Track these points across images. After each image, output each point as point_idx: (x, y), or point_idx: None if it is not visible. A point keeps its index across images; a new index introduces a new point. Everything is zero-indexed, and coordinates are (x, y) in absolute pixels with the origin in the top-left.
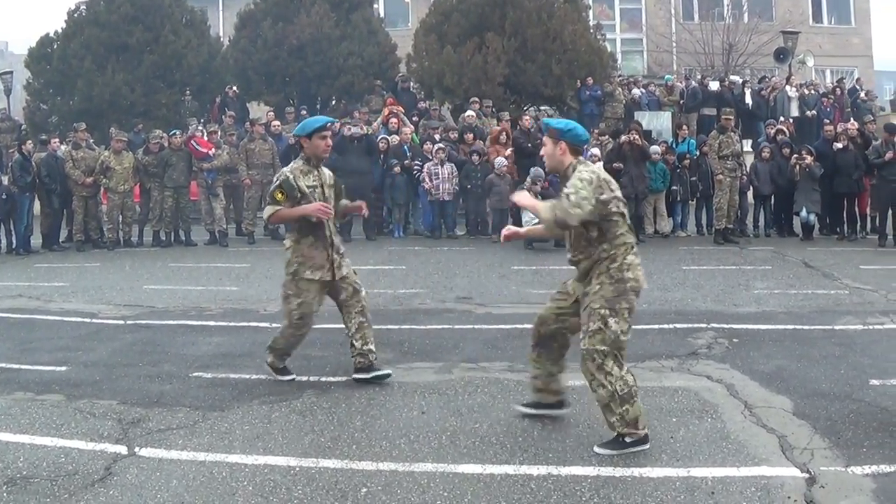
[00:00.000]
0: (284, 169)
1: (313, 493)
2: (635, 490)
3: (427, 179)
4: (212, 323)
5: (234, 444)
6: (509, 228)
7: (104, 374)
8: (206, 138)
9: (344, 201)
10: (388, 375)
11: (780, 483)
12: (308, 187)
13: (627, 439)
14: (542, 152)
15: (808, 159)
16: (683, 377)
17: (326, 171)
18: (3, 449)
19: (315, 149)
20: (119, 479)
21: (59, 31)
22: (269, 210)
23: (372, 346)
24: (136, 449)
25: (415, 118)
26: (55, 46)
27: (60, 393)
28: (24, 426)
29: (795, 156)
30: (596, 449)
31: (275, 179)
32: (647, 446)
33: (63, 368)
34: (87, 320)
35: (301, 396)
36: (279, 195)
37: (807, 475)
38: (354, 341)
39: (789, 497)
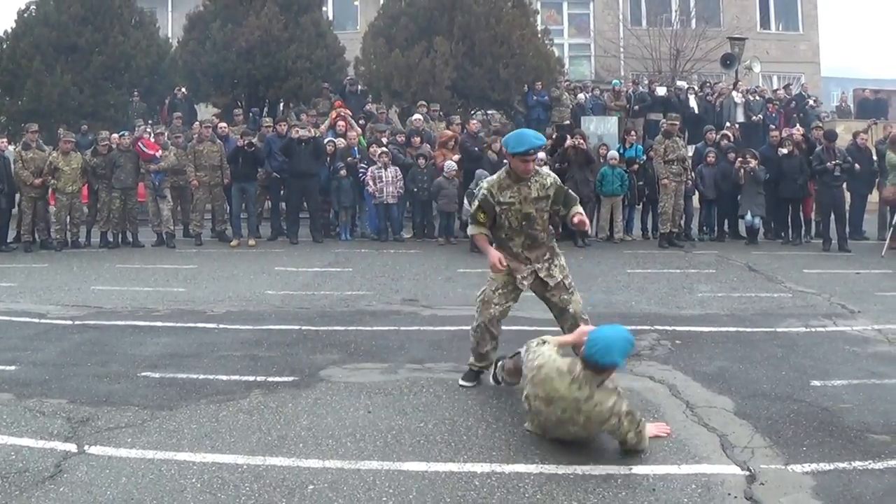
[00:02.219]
0: (484, 181)
1: (261, 491)
2: (577, 487)
3: (371, 183)
4: (159, 324)
5: (182, 442)
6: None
7: (53, 373)
8: (153, 140)
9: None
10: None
11: (720, 480)
12: (504, 203)
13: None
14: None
15: (753, 163)
16: (626, 378)
17: (540, 181)
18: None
19: (516, 167)
20: (69, 477)
21: (9, 30)
22: (471, 230)
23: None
24: (86, 447)
25: (362, 121)
26: (4, 46)
27: (9, 392)
28: None
29: (740, 159)
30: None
31: (476, 192)
32: None
33: (12, 368)
34: (36, 320)
35: (248, 396)
36: (481, 216)
37: (747, 473)
38: None
39: (729, 494)
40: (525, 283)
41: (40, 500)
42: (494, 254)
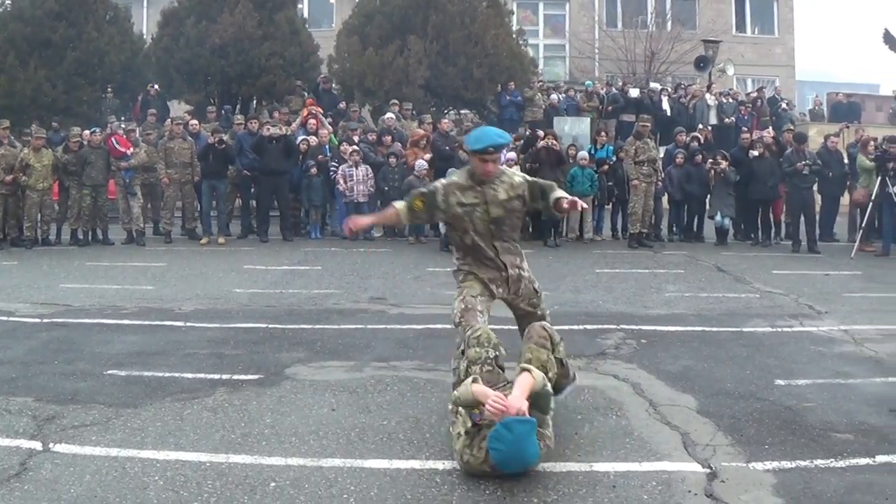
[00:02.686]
0: (445, 178)
1: (223, 488)
2: (538, 484)
3: (341, 181)
4: (127, 322)
5: (146, 440)
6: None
7: (20, 371)
8: (125, 136)
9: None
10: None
11: (681, 477)
12: (465, 205)
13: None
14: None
15: (724, 164)
16: (591, 376)
17: (508, 181)
18: None
19: (474, 167)
20: (34, 475)
21: None
22: (398, 203)
23: None
24: (51, 445)
25: (330, 119)
26: None
27: None
28: None
29: (711, 161)
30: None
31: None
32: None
33: None
34: (4, 318)
35: (213, 394)
36: (418, 202)
37: (708, 470)
38: None
39: (689, 491)
40: (499, 290)
41: (5, 498)
42: (377, 217)
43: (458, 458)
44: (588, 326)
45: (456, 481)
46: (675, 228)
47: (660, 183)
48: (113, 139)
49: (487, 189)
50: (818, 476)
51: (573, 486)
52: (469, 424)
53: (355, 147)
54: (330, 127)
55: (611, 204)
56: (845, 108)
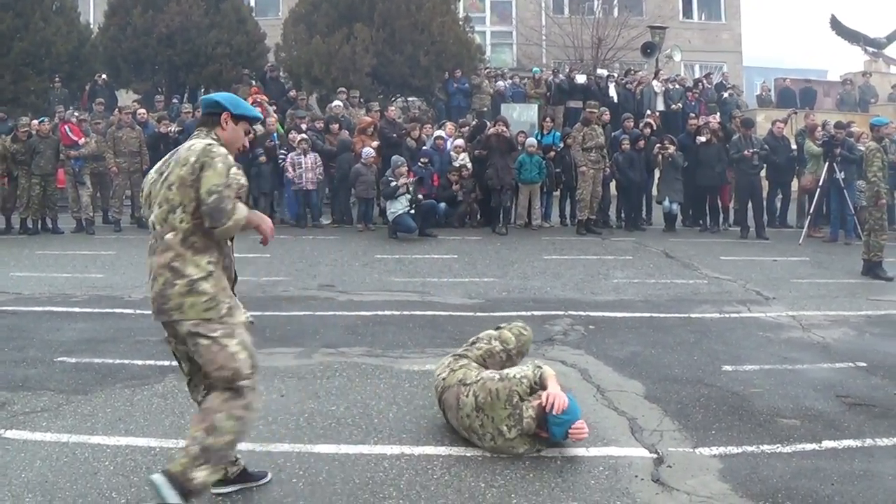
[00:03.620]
0: (216, 148)
1: None
2: (485, 469)
3: (290, 169)
4: (77, 309)
5: (96, 426)
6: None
7: None
8: (77, 125)
9: None
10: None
11: (627, 462)
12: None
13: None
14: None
15: (671, 149)
16: (538, 361)
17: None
18: None
19: (234, 139)
20: None
21: None
22: (243, 208)
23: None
24: (1, 431)
25: (274, 108)
26: None
27: None
28: None
29: (658, 145)
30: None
31: (218, 159)
32: None
33: None
34: None
35: (163, 380)
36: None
37: (655, 455)
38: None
39: (636, 476)
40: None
41: None
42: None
43: (513, 437)
44: (536, 313)
45: (404, 466)
46: (622, 215)
47: (607, 169)
48: (66, 127)
49: None
50: (764, 461)
51: (520, 470)
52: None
53: (304, 135)
54: (275, 115)
55: (559, 190)
56: (794, 94)
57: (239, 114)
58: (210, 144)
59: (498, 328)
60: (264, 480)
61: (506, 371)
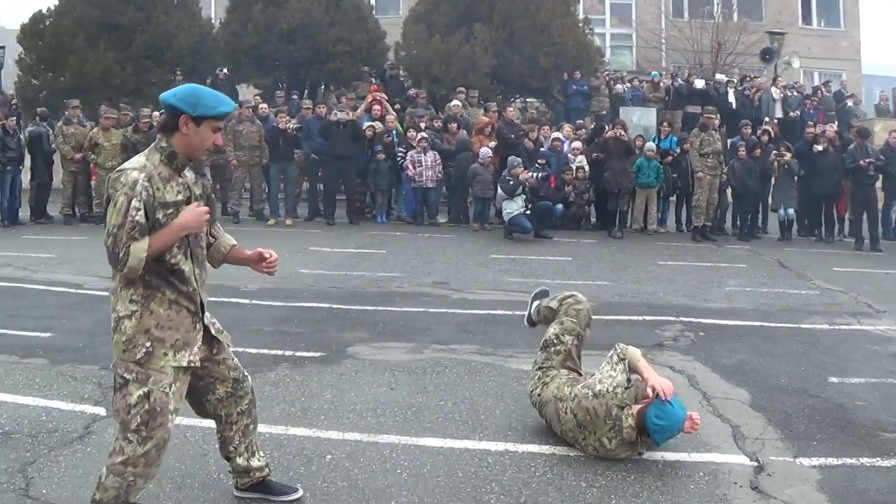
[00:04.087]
0: (131, 168)
1: (281, 458)
2: (587, 469)
3: (410, 167)
4: None
5: None
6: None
7: (87, 341)
8: None
9: (221, 234)
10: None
11: (728, 469)
12: (169, 205)
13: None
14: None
15: (787, 156)
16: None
17: (191, 175)
18: None
19: (199, 143)
20: (97, 438)
21: (52, 7)
22: (139, 249)
23: (262, 459)
24: None
25: (397, 106)
26: (48, 23)
27: (44, 357)
28: (8, 386)
29: (774, 152)
30: None
31: (121, 197)
32: None
33: (47, 335)
34: (73, 290)
35: (275, 369)
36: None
37: (755, 463)
38: (238, 455)
39: (735, 482)
40: (197, 356)
41: (67, 459)
42: (188, 217)
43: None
44: (647, 317)
45: (507, 462)
46: (737, 222)
47: (724, 176)
48: None
49: (188, 179)
50: (863, 474)
51: (622, 472)
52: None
53: (423, 133)
54: (395, 113)
55: (675, 196)
56: None
57: (199, 115)
58: (120, 172)
59: (556, 316)
60: (287, 497)
61: (598, 387)
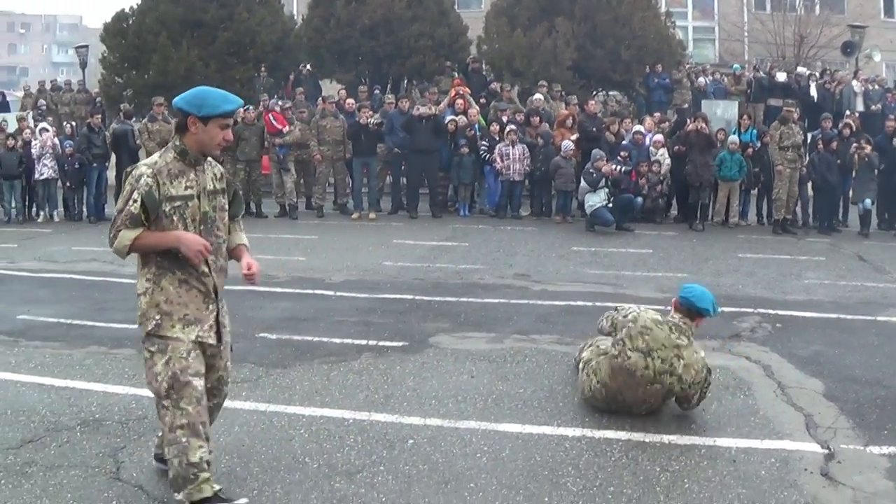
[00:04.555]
0: (143, 164)
1: (364, 442)
2: (661, 454)
3: (498, 159)
4: (279, 290)
5: (293, 397)
6: None
7: None
8: (281, 114)
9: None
10: None
11: (799, 456)
12: (176, 198)
13: None
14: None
15: (868, 148)
16: (724, 357)
17: (212, 171)
18: (78, 395)
19: (209, 140)
20: None
21: (135, 6)
22: (125, 236)
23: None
24: None
25: (482, 100)
26: (131, 22)
27: (132, 348)
28: (98, 376)
29: (855, 145)
30: None
31: (128, 183)
32: None
33: (135, 326)
34: None
35: (359, 358)
36: (143, 215)
37: (826, 451)
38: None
39: (806, 469)
40: (212, 333)
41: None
42: (188, 238)
43: None
44: (726, 309)
45: (584, 447)
46: (817, 215)
47: (804, 169)
48: (270, 116)
49: (200, 173)
50: None
51: (695, 457)
52: None
53: (512, 126)
54: (477, 107)
55: (757, 189)
56: None
57: (204, 115)
58: (133, 168)
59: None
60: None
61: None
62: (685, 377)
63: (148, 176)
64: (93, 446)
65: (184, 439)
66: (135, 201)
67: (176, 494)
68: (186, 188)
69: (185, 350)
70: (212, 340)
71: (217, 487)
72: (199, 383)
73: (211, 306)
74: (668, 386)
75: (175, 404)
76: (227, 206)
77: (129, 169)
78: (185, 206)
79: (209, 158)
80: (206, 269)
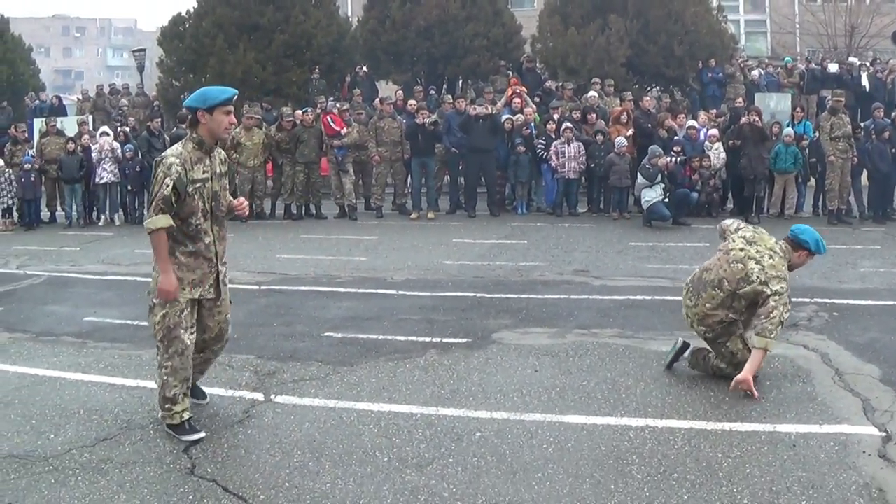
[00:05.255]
0: (170, 155)
1: (432, 436)
2: (723, 441)
3: (554, 157)
4: (341, 289)
5: (361, 394)
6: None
7: (241, 332)
8: (339, 116)
9: (229, 197)
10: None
11: (857, 440)
12: (197, 181)
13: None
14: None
15: None
16: (782, 346)
17: (219, 156)
18: (149, 394)
19: (217, 127)
20: (256, 421)
21: (192, 10)
22: (160, 221)
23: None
24: (272, 396)
25: (537, 99)
26: (187, 25)
27: None
28: None
29: None
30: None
31: (160, 173)
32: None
33: None
34: None
35: (424, 355)
36: (173, 199)
37: (884, 434)
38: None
39: (864, 451)
40: (212, 291)
41: (230, 440)
42: (173, 279)
43: None
44: None
45: (647, 437)
46: (871, 204)
47: (855, 158)
48: (328, 118)
49: (212, 158)
50: None
51: (756, 443)
52: None
53: (568, 124)
54: (534, 105)
55: (814, 180)
56: None
57: (209, 107)
58: (162, 157)
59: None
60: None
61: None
62: (768, 270)
63: (177, 164)
64: (166, 443)
65: (165, 377)
66: (167, 186)
67: (158, 412)
68: (203, 172)
69: (180, 310)
70: (211, 296)
71: (186, 417)
72: (186, 337)
73: (213, 269)
74: (749, 272)
75: (165, 349)
76: (227, 185)
77: (158, 158)
78: (203, 187)
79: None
80: (213, 239)
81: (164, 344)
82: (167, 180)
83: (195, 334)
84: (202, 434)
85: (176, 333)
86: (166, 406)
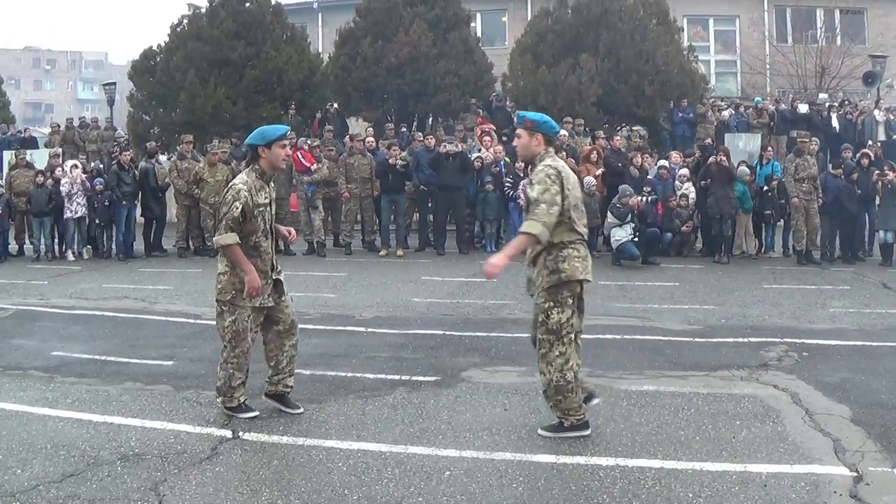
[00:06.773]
0: (238, 183)
1: (401, 475)
2: (694, 481)
3: (522, 196)
4: (310, 326)
5: (330, 431)
6: (492, 264)
7: (209, 368)
8: (309, 152)
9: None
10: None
11: (828, 480)
12: (260, 205)
13: (566, 423)
14: (515, 143)
15: (890, 175)
16: (752, 385)
17: (273, 187)
18: (116, 430)
19: (275, 159)
20: (225, 458)
21: (162, 44)
22: (228, 238)
23: (292, 381)
24: (240, 433)
25: (504, 137)
26: (158, 59)
27: (168, 384)
28: (135, 411)
29: (878, 172)
30: (540, 431)
31: (230, 197)
32: (586, 432)
33: (170, 363)
34: (192, 321)
35: (393, 393)
36: (241, 218)
37: (855, 474)
38: (281, 373)
39: (836, 492)
40: (270, 300)
41: (197, 478)
42: (256, 276)
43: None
44: (753, 339)
45: (617, 476)
46: (837, 245)
47: (821, 200)
48: (298, 154)
49: (270, 186)
50: None
51: (726, 483)
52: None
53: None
54: (503, 144)
55: (782, 221)
56: None
57: (268, 143)
58: (231, 185)
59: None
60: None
61: None
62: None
63: (245, 191)
64: (133, 480)
65: (232, 370)
66: (237, 208)
67: (218, 399)
68: (265, 198)
69: (247, 315)
70: (270, 304)
71: (243, 399)
72: (249, 338)
73: (269, 280)
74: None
75: (232, 349)
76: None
77: (227, 187)
78: (265, 210)
79: None
80: (270, 253)
81: (232, 344)
82: (236, 203)
83: (257, 334)
84: (256, 413)
85: (243, 336)
86: (229, 393)
